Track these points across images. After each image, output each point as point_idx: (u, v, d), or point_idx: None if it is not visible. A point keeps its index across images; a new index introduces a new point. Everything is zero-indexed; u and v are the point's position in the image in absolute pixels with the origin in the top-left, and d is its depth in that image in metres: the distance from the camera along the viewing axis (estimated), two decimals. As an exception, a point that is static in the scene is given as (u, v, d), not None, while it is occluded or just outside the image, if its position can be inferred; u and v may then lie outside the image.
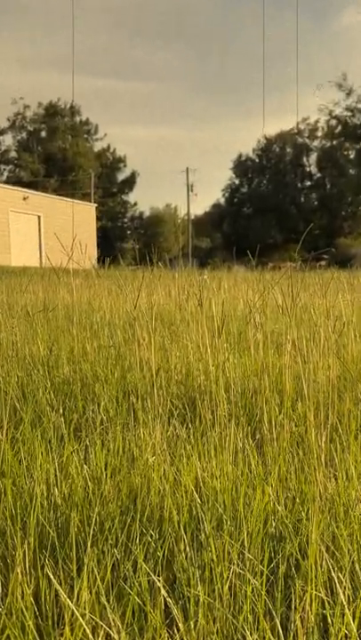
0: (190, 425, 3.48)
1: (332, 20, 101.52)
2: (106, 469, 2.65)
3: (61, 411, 3.62)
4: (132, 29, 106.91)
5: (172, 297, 8.55)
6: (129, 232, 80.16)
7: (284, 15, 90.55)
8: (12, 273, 23.82)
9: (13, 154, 71.45)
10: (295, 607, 1.74)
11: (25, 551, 1.88)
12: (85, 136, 75.70)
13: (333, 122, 63.75)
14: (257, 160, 77.17)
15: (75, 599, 1.68)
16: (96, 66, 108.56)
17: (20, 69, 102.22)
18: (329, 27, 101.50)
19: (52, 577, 1.73)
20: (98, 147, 77.40)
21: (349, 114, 55.76)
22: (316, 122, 72.70)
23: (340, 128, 60.53)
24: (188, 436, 3.25)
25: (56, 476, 2.56)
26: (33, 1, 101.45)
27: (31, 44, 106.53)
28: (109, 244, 59.45)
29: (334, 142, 66.92)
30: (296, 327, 4.84)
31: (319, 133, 73.17)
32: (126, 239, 77.71)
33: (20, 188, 39.33)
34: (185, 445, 2.97)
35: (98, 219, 47.93)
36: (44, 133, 73.33)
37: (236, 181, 77.87)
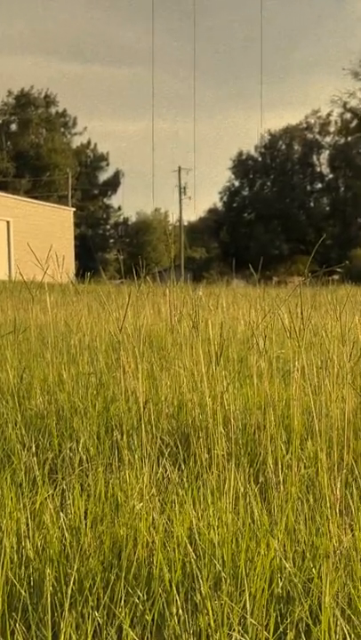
0: (183, 466, 3.48)
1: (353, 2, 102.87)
2: (86, 518, 2.65)
3: (34, 449, 3.62)
4: (115, 6, 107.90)
5: (162, 316, 8.57)
6: (112, 241, 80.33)
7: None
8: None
9: (-21, 150, 71.60)
10: None
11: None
12: (62, 130, 76.07)
13: (348, 115, 64.38)
14: (260, 159, 77.64)
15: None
16: (75, 49, 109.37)
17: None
18: (348, 9, 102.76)
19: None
20: (76, 142, 77.72)
21: (366, 106, 56.27)
22: (329, 115, 73.25)
23: (355, 122, 61.08)
24: (181, 479, 3.25)
25: (28, 525, 2.56)
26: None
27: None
28: (89, 255, 59.48)
29: (349, 139, 67.46)
30: (305, 353, 4.85)
31: (332, 128, 73.78)
32: (109, 249, 77.89)
33: (-14, 190, 39.46)
34: (177, 490, 2.97)
35: (76, 225, 48.04)
36: (14, 126, 73.60)
37: (236, 183, 78.31)
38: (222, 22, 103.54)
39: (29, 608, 2.03)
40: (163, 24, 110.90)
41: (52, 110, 75.44)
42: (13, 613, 2.02)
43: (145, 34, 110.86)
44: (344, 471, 3.20)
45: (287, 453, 3.57)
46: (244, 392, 5.00)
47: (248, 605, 2.00)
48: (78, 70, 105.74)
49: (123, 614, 1.96)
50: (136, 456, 3.44)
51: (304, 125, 75.50)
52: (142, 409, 4.05)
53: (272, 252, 68.55)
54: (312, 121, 74.95)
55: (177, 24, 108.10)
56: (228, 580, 2.15)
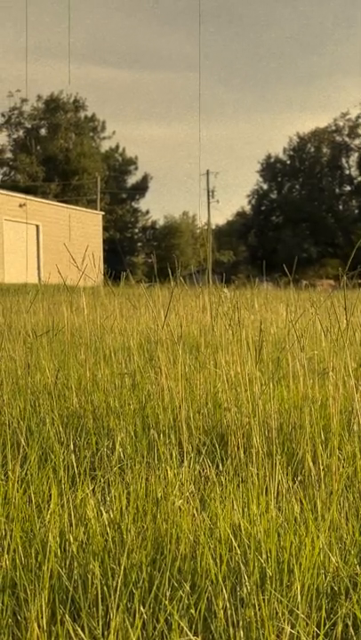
0: (220, 464, 3.48)
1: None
2: (127, 514, 2.65)
3: (72, 447, 3.64)
4: (146, 11, 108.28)
5: (194, 318, 8.58)
6: (140, 244, 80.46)
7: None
8: (6, 291, 23.91)
9: (9, 154, 72.12)
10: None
11: (40, 605, 1.89)
12: (91, 134, 76.35)
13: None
14: (288, 162, 77.45)
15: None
16: (104, 54, 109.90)
17: (18, 58, 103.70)
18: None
19: (77, 629, 1.73)
20: (105, 146, 78.12)
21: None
22: (358, 117, 72.90)
23: (384, 125, 60.60)
24: (218, 476, 3.25)
25: (70, 520, 2.57)
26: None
27: (31, 31, 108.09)
28: (118, 258, 59.63)
29: (379, 141, 66.95)
30: (342, 353, 4.82)
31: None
32: (137, 252, 78.00)
33: (15, 194, 39.63)
34: (216, 487, 2.97)
35: (105, 229, 48.27)
36: (43, 131, 74.01)
37: (264, 186, 78.19)
38: (248, 26, 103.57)
39: (77, 600, 2.04)
40: (199, 28, 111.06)
41: (81, 115, 75.81)
42: (61, 606, 2.03)
43: (172, 39, 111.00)
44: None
45: (325, 452, 3.56)
46: (279, 392, 4.98)
47: (298, 599, 1.99)
48: (107, 75, 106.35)
49: (170, 607, 1.97)
50: (174, 453, 3.44)
51: (333, 128, 75.26)
52: (179, 407, 4.06)
53: (300, 255, 67.84)
54: (341, 123, 74.72)
55: (205, 29, 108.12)
56: (274, 575, 2.15)
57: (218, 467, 3.46)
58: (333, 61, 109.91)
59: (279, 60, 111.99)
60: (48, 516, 2.56)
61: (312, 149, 76.48)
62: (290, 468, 3.48)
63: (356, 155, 73.98)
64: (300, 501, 2.82)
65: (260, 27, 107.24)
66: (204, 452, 3.64)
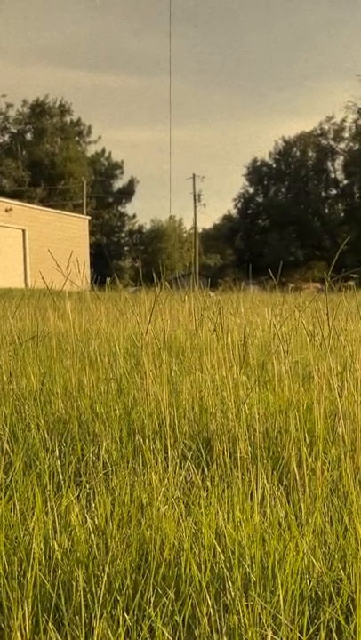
0: (206, 469, 3.48)
1: None
2: (111, 520, 2.65)
3: (57, 453, 3.63)
4: (130, 16, 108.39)
5: (180, 322, 8.57)
6: (127, 248, 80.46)
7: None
8: (-8, 296, 23.85)
9: (-6, 159, 71.92)
10: None
11: (24, 614, 1.88)
12: (77, 139, 76.35)
13: (362, 121, 64.11)
14: (274, 165, 77.61)
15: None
16: (89, 58, 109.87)
17: (2, 63, 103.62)
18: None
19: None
20: (91, 151, 77.98)
21: (381, 112, 55.96)
22: (343, 121, 73.17)
23: (370, 128, 60.84)
24: (204, 481, 3.25)
25: (55, 527, 2.56)
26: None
27: (15, 35, 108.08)
28: (104, 262, 59.60)
29: (364, 145, 67.23)
30: (326, 357, 4.83)
31: (346, 134, 73.67)
32: (124, 256, 78.02)
33: (1, 198, 39.54)
34: (201, 492, 2.97)
35: (91, 233, 48.16)
36: (29, 136, 73.92)
37: (251, 190, 78.31)
38: (236, 29, 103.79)
39: (61, 608, 2.03)
40: (176, 32, 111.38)
41: (67, 119, 75.79)
42: (44, 614, 2.02)
43: (157, 43, 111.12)
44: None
45: (310, 456, 3.56)
46: (265, 396, 4.99)
47: (280, 605, 1.99)
48: (92, 80, 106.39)
49: (154, 615, 1.96)
50: (159, 459, 3.44)
51: (318, 132, 75.47)
52: (164, 412, 4.06)
53: (287, 258, 68.37)
54: (326, 127, 74.92)
55: (191, 31, 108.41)
56: (258, 581, 2.15)
57: (203, 471, 3.46)
58: (319, 65, 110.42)
59: (266, 64, 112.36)
60: (32, 523, 2.55)
61: (298, 153, 76.70)
62: (275, 472, 3.48)
63: (342, 158, 74.25)
64: (286, 505, 2.83)
65: (246, 30, 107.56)
66: (189, 456, 3.64)
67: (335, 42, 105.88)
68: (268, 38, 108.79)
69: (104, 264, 58.15)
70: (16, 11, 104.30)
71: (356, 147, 71.05)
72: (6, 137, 73.02)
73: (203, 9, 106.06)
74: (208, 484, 3.20)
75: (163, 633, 1.82)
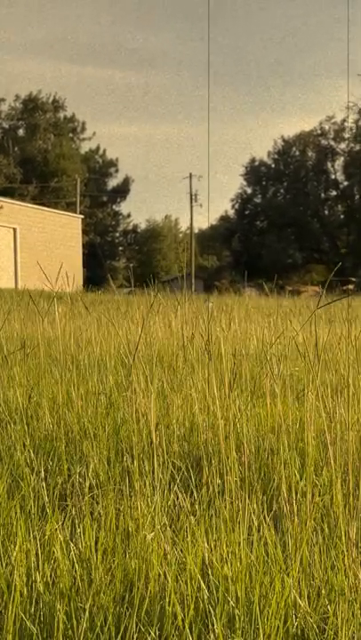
0: (195, 492, 3.49)
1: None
2: (96, 549, 2.66)
3: (43, 474, 3.64)
4: (125, 8, 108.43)
5: (172, 332, 8.59)
6: (121, 248, 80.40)
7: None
8: (-19, 297, 23.83)
9: (-15, 155, 71.84)
10: None
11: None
12: (70, 135, 76.27)
13: (363, 121, 64.20)
14: (273, 165, 77.60)
15: None
16: (82, 52, 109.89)
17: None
18: None
19: None
20: (85, 148, 77.90)
21: (382, 112, 55.97)
22: (344, 121, 73.25)
23: (371, 129, 60.91)
24: (193, 505, 3.27)
25: (38, 557, 2.58)
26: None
27: (7, 28, 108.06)
28: (98, 263, 59.56)
29: (364, 145, 67.31)
30: (319, 373, 4.85)
31: (347, 135, 73.69)
32: (118, 257, 77.97)
33: (-8, 196, 39.58)
34: (190, 519, 2.98)
35: (84, 232, 48.16)
36: (21, 132, 73.86)
37: (249, 190, 78.30)
38: (235, 28, 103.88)
39: (40, 646, 2.05)
40: (174, 28, 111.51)
41: (61, 115, 75.71)
42: (24, 652, 2.04)
43: (156, 39, 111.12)
44: (360, 501, 3.21)
45: (301, 480, 3.58)
46: (256, 412, 5.00)
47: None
48: (87, 74, 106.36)
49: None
50: (147, 482, 3.45)
51: (318, 132, 75.50)
52: (153, 432, 4.07)
53: (285, 260, 68.46)
54: (326, 127, 74.97)
55: (189, 28, 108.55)
56: (243, 618, 2.17)
57: (192, 494, 3.47)
58: (320, 64, 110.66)
59: (265, 62, 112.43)
60: (15, 553, 2.57)
61: (297, 153, 76.70)
62: (265, 496, 3.50)
63: (342, 159, 74.29)
64: (273, 535, 2.84)
65: (247, 30, 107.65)
66: (178, 478, 3.66)
67: (336, 41, 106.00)
68: (267, 37, 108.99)
69: (97, 264, 58.14)
70: (17, 5, 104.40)
71: (357, 147, 71.11)
72: (-2, 133, 72.97)
73: (202, 6, 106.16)
74: (196, 507, 3.22)
75: None
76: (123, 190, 78.45)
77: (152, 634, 2.09)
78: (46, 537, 2.79)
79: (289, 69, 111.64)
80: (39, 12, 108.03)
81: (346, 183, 74.00)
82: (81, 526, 2.91)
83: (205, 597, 2.27)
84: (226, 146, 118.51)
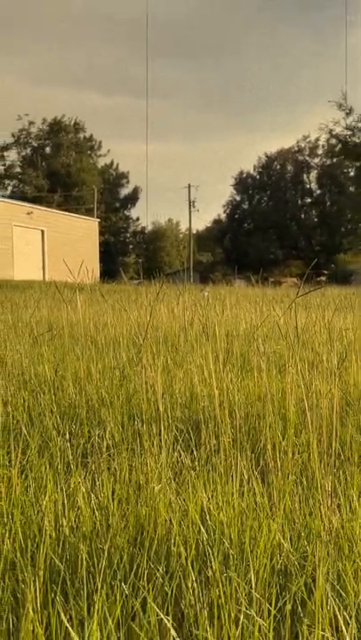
0: (195, 451, 3.48)
1: (338, 43, 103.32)
2: (113, 499, 2.65)
3: (68, 436, 3.63)
4: (135, 46, 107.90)
5: (175, 316, 8.56)
6: (131, 246, 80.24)
7: (291, 33, 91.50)
8: (15, 287, 23.81)
9: (18, 169, 71.75)
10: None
11: (37, 587, 1.89)
12: (89, 152, 75.96)
13: (333, 140, 63.79)
14: (258, 177, 77.41)
15: (86, 638, 1.68)
16: (99, 82, 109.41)
17: (25, 85, 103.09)
18: (336, 49, 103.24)
19: (62, 616, 1.73)
20: (101, 163, 77.62)
21: (349, 133, 55.57)
22: (317, 140, 72.92)
23: (339, 146, 60.46)
24: (193, 462, 3.26)
25: (64, 505, 2.56)
26: (38, 19, 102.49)
27: (36, 61, 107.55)
28: (111, 258, 59.52)
29: (334, 160, 67.02)
30: (298, 351, 4.83)
31: (320, 151, 73.50)
32: (128, 253, 77.83)
33: (24, 203, 39.44)
34: (190, 473, 2.97)
35: (101, 233, 48.02)
36: (48, 149, 73.63)
37: (237, 198, 78.12)
38: (227, 61, 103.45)
39: (67, 580, 2.04)
40: (173, 63, 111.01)
41: (81, 135, 75.52)
42: (54, 585, 2.03)
43: (160, 69, 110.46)
44: (333, 456, 3.20)
45: (283, 440, 3.57)
46: (246, 384, 4.98)
47: (253, 579, 2.00)
48: (102, 100, 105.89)
49: (146, 589, 1.97)
50: (155, 442, 3.44)
51: (296, 149, 75.41)
52: (159, 400, 4.05)
53: (268, 256, 68.50)
54: (303, 145, 74.91)
55: (188, 62, 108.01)
56: (236, 557, 2.16)
57: (193, 452, 3.46)
58: (299, 92, 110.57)
59: (251, 89, 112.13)
60: (45, 502, 2.56)
61: (278, 167, 76.53)
62: (253, 454, 3.48)
63: (316, 172, 74.10)
64: (261, 487, 2.83)
65: (236, 59, 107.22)
66: (180, 439, 3.64)
67: (317, 71, 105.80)
68: (254, 67, 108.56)
69: (111, 260, 58.06)
70: (41, 42, 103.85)
71: (328, 162, 70.81)
72: (28, 150, 72.80)
73: (198, 46, 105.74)
74: (196, 463, 3.21)
75: (151, 607, 1.82)
76: (132, 198, 78.31)
77: (160, 570, 2.08)
78: (71, 489, 2.77)
79: (272, 97, 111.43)
80: (62, 48, 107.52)
81: (319, 192, 73.97)
82: (100, 480, 2.90)
83: (204, 539, 2.26)
84: (220, 160, 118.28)
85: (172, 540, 2.25)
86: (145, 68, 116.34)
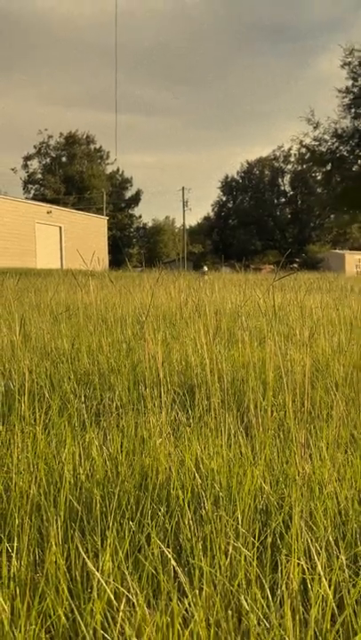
0: (190, 410, 3.47)
1: (308, 69, 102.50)
2: (121, 451, 2.64)
3: (83, 398, 3.61)
4: (137, 68, 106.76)
5: (172, 298, 8.52)
6: (134, 240, 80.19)
7: (268, 61, 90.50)
8: (37, 275, 23.74)
9: (39, 175, 71.59)
10: (281, 573, 1.73)
11: (58, 525, 1.87)
12: (99, 161, 75.60)
13: (303, 150, 63.30)
14: (240, 180, 77.08)
15: (100, 567, 1.68)
16: (106, 102, 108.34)
17: (43, 105, 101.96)
18: (306, 71, 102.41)
19: (80, 548, 1.72)
20: (109, 170, 77.22)
21: (316, 143, 55.23)
22: (290, 149, 72.65)
23: (308, 155, 60.02)
24: (188, 419, 3.24)
25: (80, 457, 2.55)
26: (47, 49, 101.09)
27: (50, 82, 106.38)
28: (118, 250, 59.27)
29: (304, 166, 66.55)
30: (275, 324, 4.82)
31: (292, 159, 73.17)
32: (132, 245, 77.78)
33: (44, 204, 39.21)
34: (186, 429, 2.96)
35: (109, 229, 47.74)
36: (64, 159, 73.24)
37: (224, 198, 77.83)
38: (219, 83, 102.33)
39: (84, 519, 2.03)
40: (180, 84, 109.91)
41: (92, 147, 75.11)
42: (73, 523, 2.02)
43: (161, 90, 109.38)
44: (306, 414, 3.19)
45: (264, 400, 3.55)
46: (232, 354, 4.96)
47: (239, 517, 1.99)
48: (110, 118, 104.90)
49: (150, 526, 1.96)
50: (156, 404, 3.42)
51: (272, 157, 75.14)
52: (160, 368, 4.03)
53: (249, 247, 68.48)
54: (278, 154, 74.66)
55: (191, 85, 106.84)
56: (225, 499, 2.15)
57: (188, 412, 3.45)
58: (276, 109, 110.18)
59: (234, 106, 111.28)
60: (64, 454, 2.54)
61: (257, 172, 76.21)
62: (239, 412, 3.47)
63: (289, 176, 73.83)
64: (245, 439, 2.82)
65: (222, 82, 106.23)
66: (178, 401, 3.63)
67: (293, 90, 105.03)
68: (237, 91, 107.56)
69: (118, 251, 57.80)
70: (51, 66, 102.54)
71: (299, 168, 70.41)
72: (48, 160, 72.57)
73: (195, 71, 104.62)
74: (191, 421, 3.19)
75: (154, 541, 1.81)
76: (136, 199, 77.97)
77: (161, 510, 2.07)
78: (86, 443, 2.76)
79: (253, 114, 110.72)
80: (71, 70, 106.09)
81: (291, 193, 73.76)
82: (110, 435, 2.89)
83: (199, 484, 2.24)
84: (209, 167, 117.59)
85: (172, 485, 2.24)
86: (146, 89, 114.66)
